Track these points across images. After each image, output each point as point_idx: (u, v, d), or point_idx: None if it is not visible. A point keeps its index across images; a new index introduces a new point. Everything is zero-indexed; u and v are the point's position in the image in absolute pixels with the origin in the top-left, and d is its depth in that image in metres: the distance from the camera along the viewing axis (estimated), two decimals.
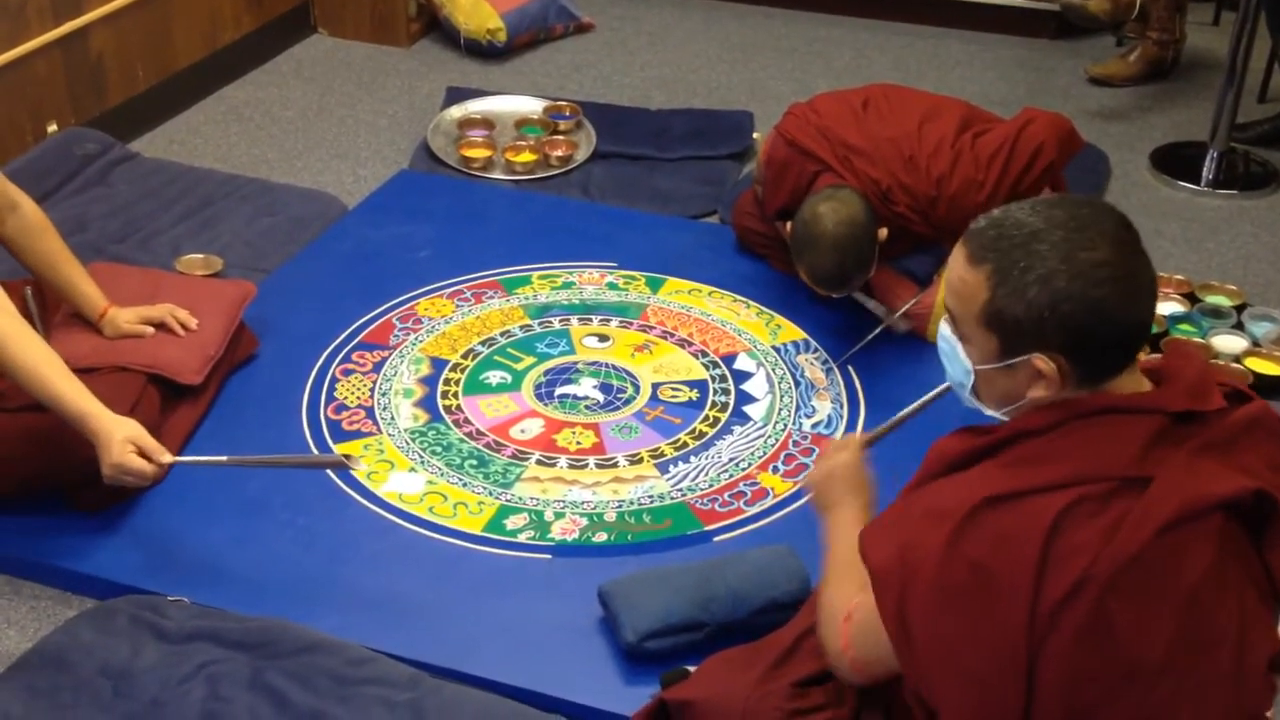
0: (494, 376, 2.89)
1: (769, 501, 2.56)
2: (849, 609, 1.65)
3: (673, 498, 2.57)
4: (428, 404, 2.81)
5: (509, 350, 2.97)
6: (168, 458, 2.26)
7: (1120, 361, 1.50)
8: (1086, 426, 1.48)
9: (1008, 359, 1.52)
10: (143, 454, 2.24)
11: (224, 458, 2.37)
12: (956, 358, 1.59)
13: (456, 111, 3.96)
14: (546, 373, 2.90)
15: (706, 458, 2.67)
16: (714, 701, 1.81)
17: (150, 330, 2.69)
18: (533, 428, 2.75)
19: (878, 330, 2.93)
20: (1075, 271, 1.44)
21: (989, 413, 1.61)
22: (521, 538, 2.47)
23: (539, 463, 2.65)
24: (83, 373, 2.50)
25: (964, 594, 1.45)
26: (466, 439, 2.71)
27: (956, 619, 1.46)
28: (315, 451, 2.66)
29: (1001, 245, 1.48)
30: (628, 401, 2.83)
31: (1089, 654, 1.42)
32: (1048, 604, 1.42)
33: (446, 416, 2.77)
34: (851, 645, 1.64)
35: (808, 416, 2.78)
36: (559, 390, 2.85)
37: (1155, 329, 3.07)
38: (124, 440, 2.22)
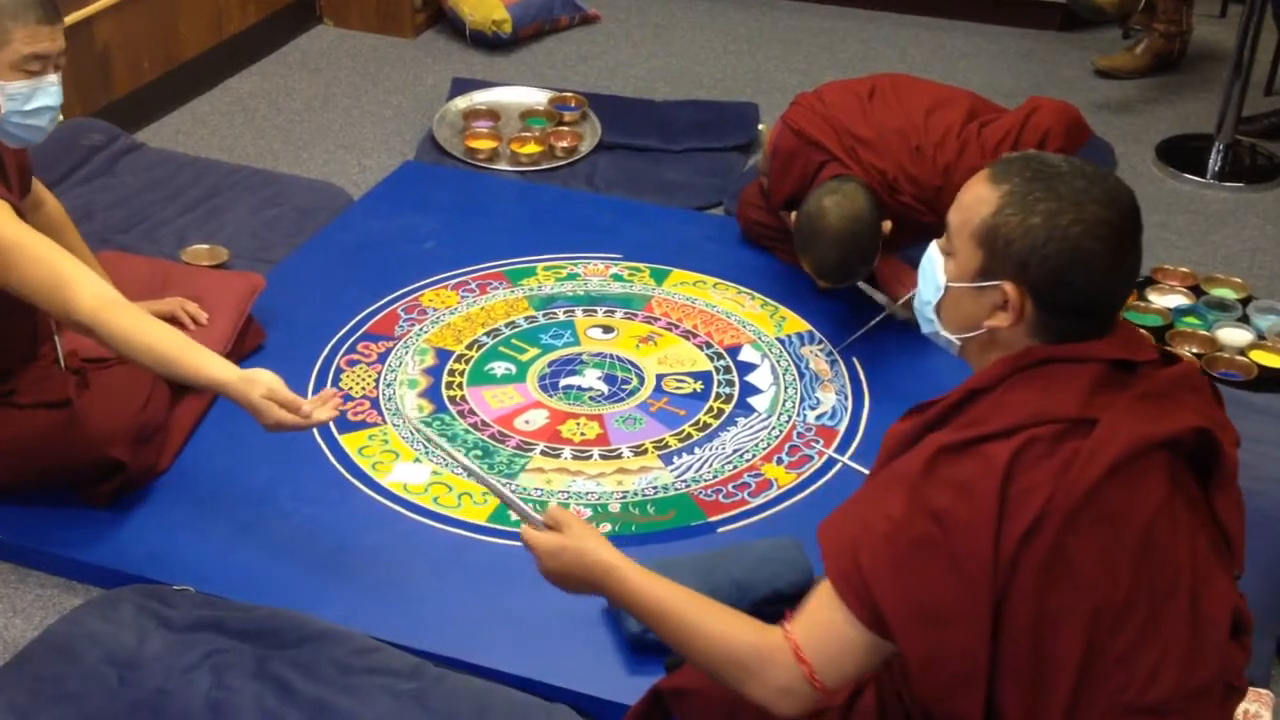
0: (499, 368, 2.90)
1: (773, 493, 2.56)
2: (789, 637, 1.55)
3: (677, 489, 2.57)
4: (432, 395, 2.81)
5: (514, 341, 2.97)
6: (306, 405, 2.15)
7: (1077, 329, 1.54)
8: (1031, 377, 1.53)
9: (983, 280, 1.55)
10: (284, 406, 2.13)
11: (465, 458, 1.98)
12: (933, 273, 1.63)
13: (462, 103, 3.96)
14: (551, 364, 2.91)
15: (711, 449, 2.67)
16: (709, 690, 1.81)
17: (183, 307, 2.73)
18: (537, 419, 2.75)
19: (879, 318, 2.93)
20: (1082, 218, 1.49)
21: (941, 334, 1.64)
22: None
23: (543, 454, 2.65)
24: (93, 363, 2.51)
25: (928, 544, 1.47)
26: (471, 429, 2.71)
27: (922, 570, 1.48)
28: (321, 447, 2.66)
29: (1026, 174, 1.53)
30: (632, 393, 2.83)
31: (1053, 593, 1.46)
32: (1009, 543, 1.45)
33: (451, 407, 2.78)
34: (813, 659, 1.54)
35: (812, 408, 2.79)
36: (564, 381, 2.86)
37: (1160, 322, 3.07)
38: (264, 400, 2.12)
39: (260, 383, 2.14)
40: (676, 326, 3.03)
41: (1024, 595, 1.46)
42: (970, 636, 1.47)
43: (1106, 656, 1.47)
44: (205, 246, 3.18)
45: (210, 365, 2.16)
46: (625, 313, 3.08)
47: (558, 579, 1.70)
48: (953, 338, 1.63)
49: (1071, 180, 1.52)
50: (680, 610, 1.63)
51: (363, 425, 2.72)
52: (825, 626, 1.54)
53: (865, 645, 1.52)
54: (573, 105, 3.94)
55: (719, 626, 1.60)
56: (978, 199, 1.56)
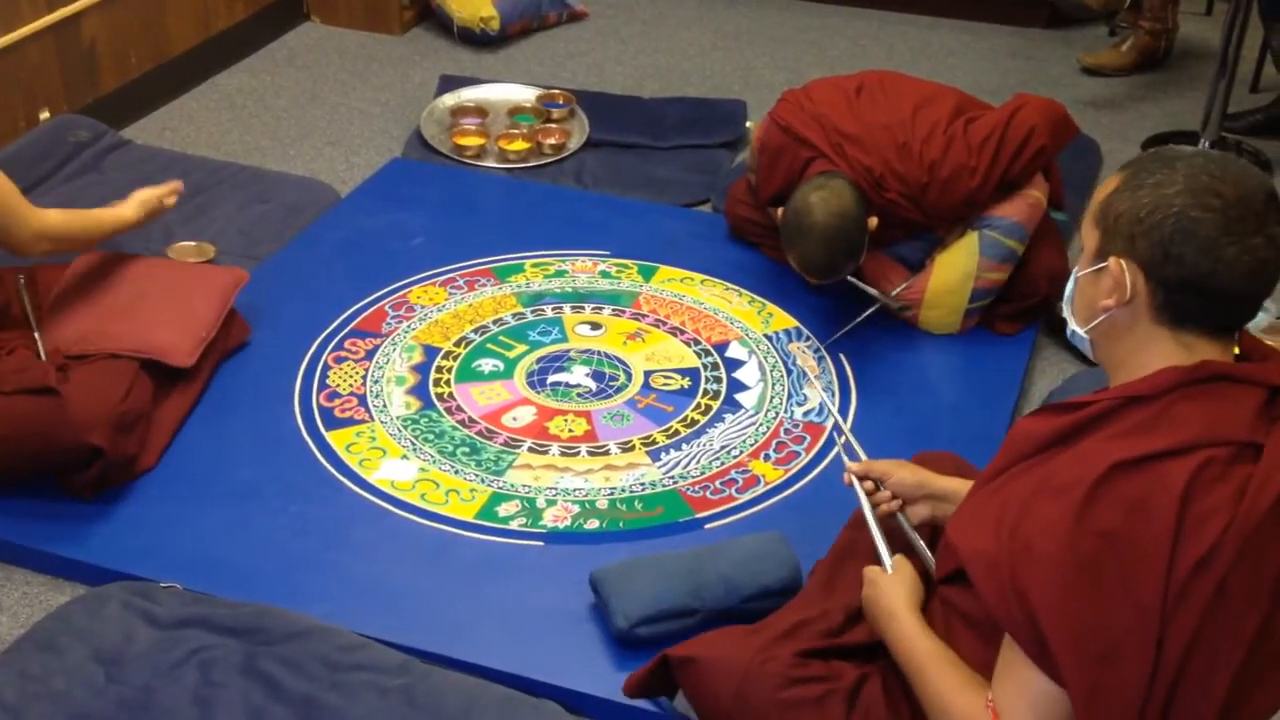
0: (486, 364, 2.90)
1: (760, 489, 2.56)
2: (989, 703, 1.53)
3: (664, 485, 2.58)
4: (420, 391, 2.81)
5: (501, 338, 2.97)
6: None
7: (1203, 311, 1.48)
8: (1199, 393, 1.47)
9: (1099, 262, 1.52)
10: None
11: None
12: (1073, 271, 1.61)
13: (449, 99, 3.96)
14: (539, 360, 2.91)
15: (698, 445, 2.68)
16: (717, 661, 1.82)
17: (166, 202, 2.93)
18: (525, 415, 2.75)
19: (868, 313, 2.94)
20: (1190, 189, 1.45)
21: (1077, 332, 1.60)
22: (513, 525, 2.47)
23: (531, 450, 2.65)
24: (74, 360, 2.51)
25: (1095, 566, 1.41)
26: (459, 426, 2.71)
27: (1088, 593, 1.41)
28: (313, 451, 2.66)
29: (1148, 158, 1.52)
30: (620, 389, 2.83)
31: (1209, 626, 1.40)
32: (1183, 570, 1.39)
33: (439, 404, 2.78)
34: (1008, 718, 1.50)
35: (799, 404, 2.79)
36: (551, 378, 2.86)
37: None
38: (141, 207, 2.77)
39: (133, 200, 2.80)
40: (664, 323, 3.04)
41: (1184, 625, 1.40)
42: (1136, 669, 1.41)
43: (1229, 695, 1.42)
44: (192, 243, 3.17)
45: (115, 212, 2.79)
46: (613, 309, 3.08)
47: (867, 604, 1.80)
48: (1081, 331, 1.58)
49: (1190, 159, 1.48)
50: (922, 665, 1.64)
51: (350, 422, 2.72)
52: (1016, 684, 1.49)
53: (1058, 697, 1.45)
54: (561, 102, 3.94)
55: (943, 687, 1.60)
56: (1104, 186, 1.55)
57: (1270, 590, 1.43)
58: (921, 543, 1.89)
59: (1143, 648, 1.40)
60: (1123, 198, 1.50)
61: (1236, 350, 1.54)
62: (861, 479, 1.96)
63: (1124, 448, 1.44)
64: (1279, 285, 1.52)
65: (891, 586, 1.76)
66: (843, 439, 2.15)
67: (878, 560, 1.83)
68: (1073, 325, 1.60)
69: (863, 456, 2.02)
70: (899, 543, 1.90)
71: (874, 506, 1.92)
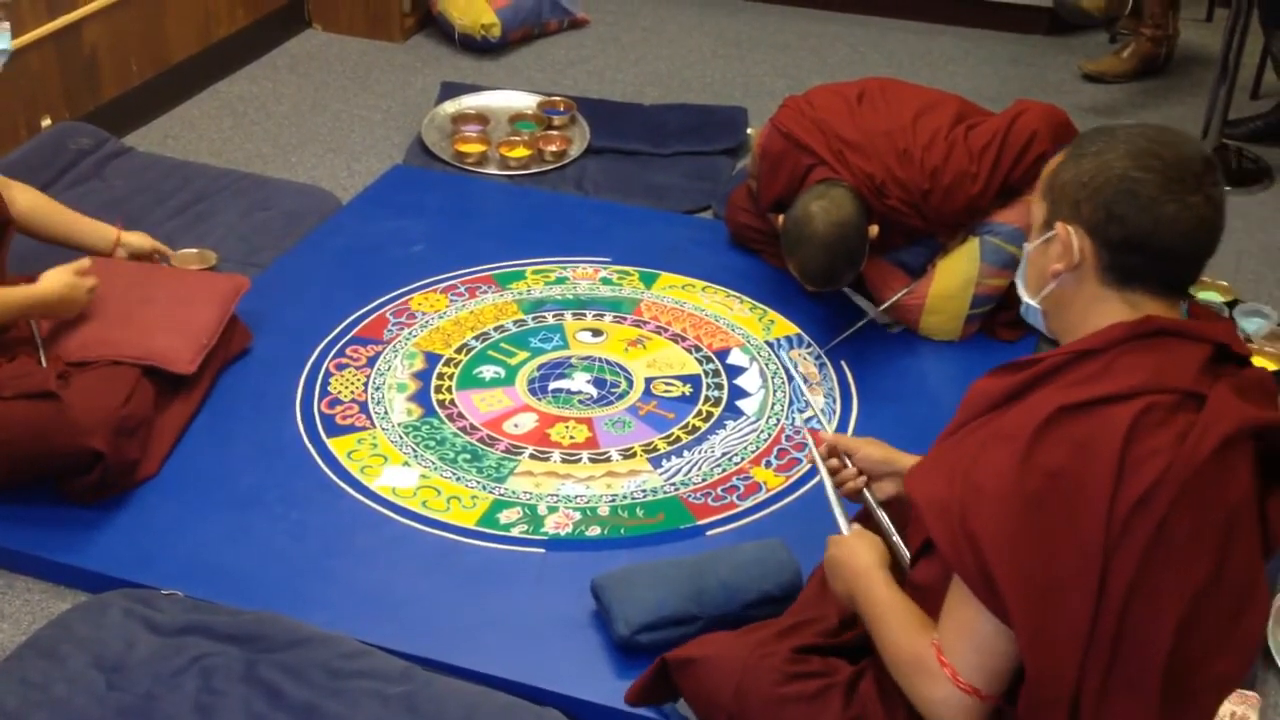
0: (487, 371, 2.90)
1: (761, 496, 2.56)
2: (933, 641, 1.59)
3: (665, 492, 2.57)
4: (421, 398, 2.81)
5: (503, 345, 2.98)
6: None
7: (1147, 270, 1.54)
8: (1146, 346, 1.53)
9: (1047, 231, 1.59)
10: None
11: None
12: (1026, 246, 1.66)
13: (451, 106, 3.97)
14: (540, 367, 2.91)
15: (699, 452, 2.68)
16: (715, 660, 1.84)
17: (162, 247, 3.00)
18: (526, 422, 2.75)
19: (862, 323, 2.94)
20: (1130, 153, 1.52)
21: (1030, 306, 1.65)
22: (515, 532, 2.47)
23: (532, 457, 2.65)
24: (75, 366, 2.51)
25: (1041, 503, 1.46)
26: (460, 433, 2.71)
27: (1032, 530, 1.46)
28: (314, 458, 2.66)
29: (1090, 132, 1.60)
30: (621, 396, 2.83)
31: (1150, 567, 1.45)
32: (1124, 508, 1.45)
33: (440, 411, 2.78)
34: (954, 661, 1.55)
35: (800, 411, 2.79)
36: (552, 385, 2.86)
37: None
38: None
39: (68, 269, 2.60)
40: (665, 330, 3.04)
41: (1126, 561, 1.45)
42: (1079, 605, 1.46)
43: (1176, 639, 1.46)
44: (194, 250, 3.17)
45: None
46: (614, 316, 3.08)
47: (831, 566, 1.82)
48: (1034, 303, 1.64)
49: (1130, 129, 1.56)
50: (881, 615, 1.68)
51: (351, 429, 2.72)
52: (959, 623, 1.55)
53: (1001, 635, 1.50)
54: (562, 109, 3.94)
55: (895, 632, 1.63)
56: (1049, 164, 1.61)
57: (1217, 541, 1.48)
58: (886, 519, 1.91)
59: (1086, 584, 1.45)
60: (1067, 168, 1.57)
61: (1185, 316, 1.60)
62: (828, 456, 1.99)
63: (1071, 394, 1.51)
64: (1216, 246, 1.58)
65: (854, 545, 1.80)
66: (809, 415, 2.16)
67: (837, 530, 1.87)
68: (1025, 298, 1.66)
69: (829, 431, 2.05)
70: (869, 522, 1.93)
71: (840, 484, 1.96)
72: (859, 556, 1.77)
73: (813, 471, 2.62)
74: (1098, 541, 1.45)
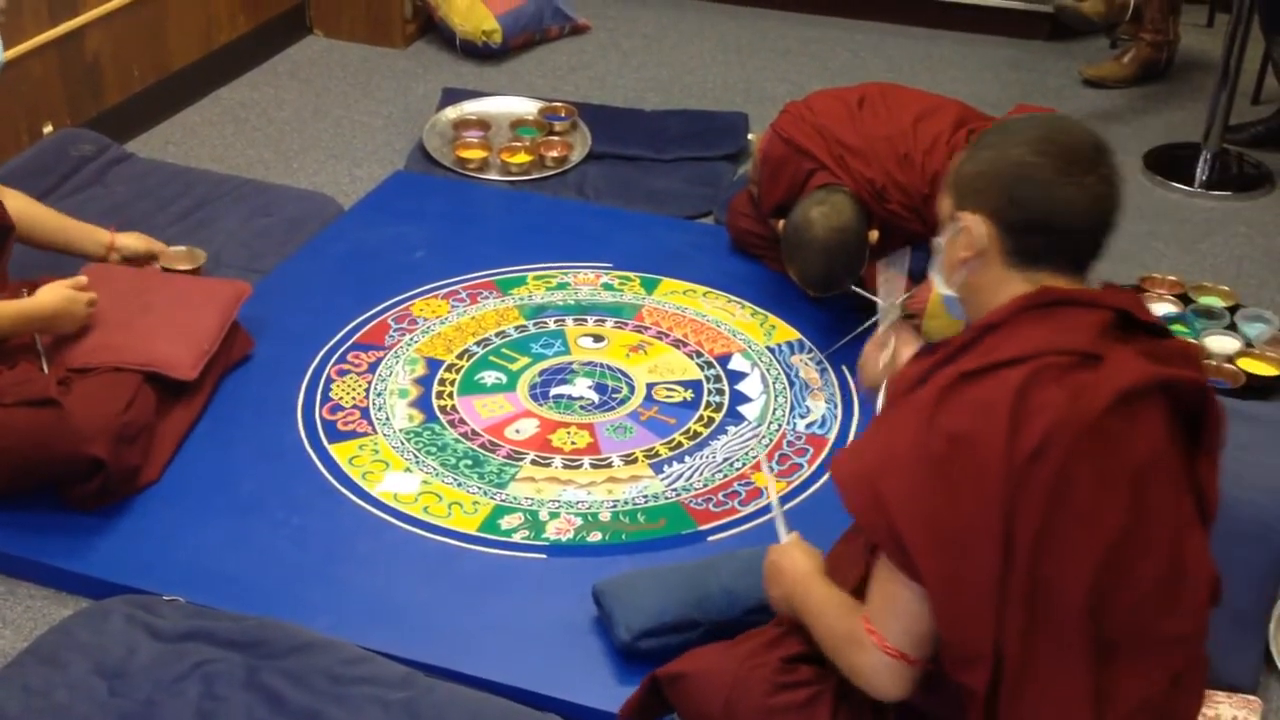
0: (489, 377, 2.90)
1: (763, 501, 2.56)
2: (862, 615, 1.64)
3: (667, 497, 2.57)
4: (423, 404, 2.81)
5: (504, 351, 2.98)
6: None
7: (1049, 249, 1.60)
8: (1043, 315, 1.59)
9: (954, 223, 1.65)
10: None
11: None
12: (936, 240, 1.72)
13: (452, 112, 3.97)
14: (541, 373, 2.91)
15: (701, 458, 2.68)
16: (705, 674, 1.85)
17: (159, 245, 3.01)
18: (527, 428, 2.75)
19: (867, 324, 2.94)
20: (1025, 142, 1.59)
21: (942, 291, 1.72)
22: (516, 537, 2.47)
23: (534, 463, 2.65)
24: (77, 372, 2.51)
25: (944, 464, 1.52)
26: (461, 439, 2.71)
27: (937, 490, 1.52)
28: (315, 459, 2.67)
29: (989, 130, 1.67)
30: (622, 402, 2.83)
31: (1056, 517, 1.50)
32: (1020, 457, 1.50)
33: (441, 417, 2.78)
34: (880, 629, 1.61)
35: (802, 417, 2.79)
36: (554, 390, 2.86)
37: None
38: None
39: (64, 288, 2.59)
40: (667, 335, 3.04)
41: (1029, 513, 1.50)
42: (987, 560, 1.50)
43: (1095, 591, 1.51)
44: (184, 249, 3.12)
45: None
46: (615, 321, 3.08)
47: (770, 573, 1.88)
48: (949, 292, 1.70)
49: (1024, 122, 1.65)
50: (818, 610, 1.73)
51: (353, 435, 2.72)
52: (882, 592, 1.60)
53: (920, 599, 1.55)
54: (563, 115, 3.94)
55: (829, 619, 1.69)
56: (952, 164, 1.69)
57: (1128, 493, 1.52)
58: None
59: (991, 539, 1.50)
60: (968, 162, 1.65)
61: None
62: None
63: (971, 362, 1.58)
64: (1114, 224, 1.64)
65: (792, 552, 1.86)
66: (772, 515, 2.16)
67: (779, 539, 1.93)
68: (940, 288, 1.72)
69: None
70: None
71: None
72: (797, 563, 1.84)
73: (813, 476, 2.62)
74: (997, 494, 1.50)
